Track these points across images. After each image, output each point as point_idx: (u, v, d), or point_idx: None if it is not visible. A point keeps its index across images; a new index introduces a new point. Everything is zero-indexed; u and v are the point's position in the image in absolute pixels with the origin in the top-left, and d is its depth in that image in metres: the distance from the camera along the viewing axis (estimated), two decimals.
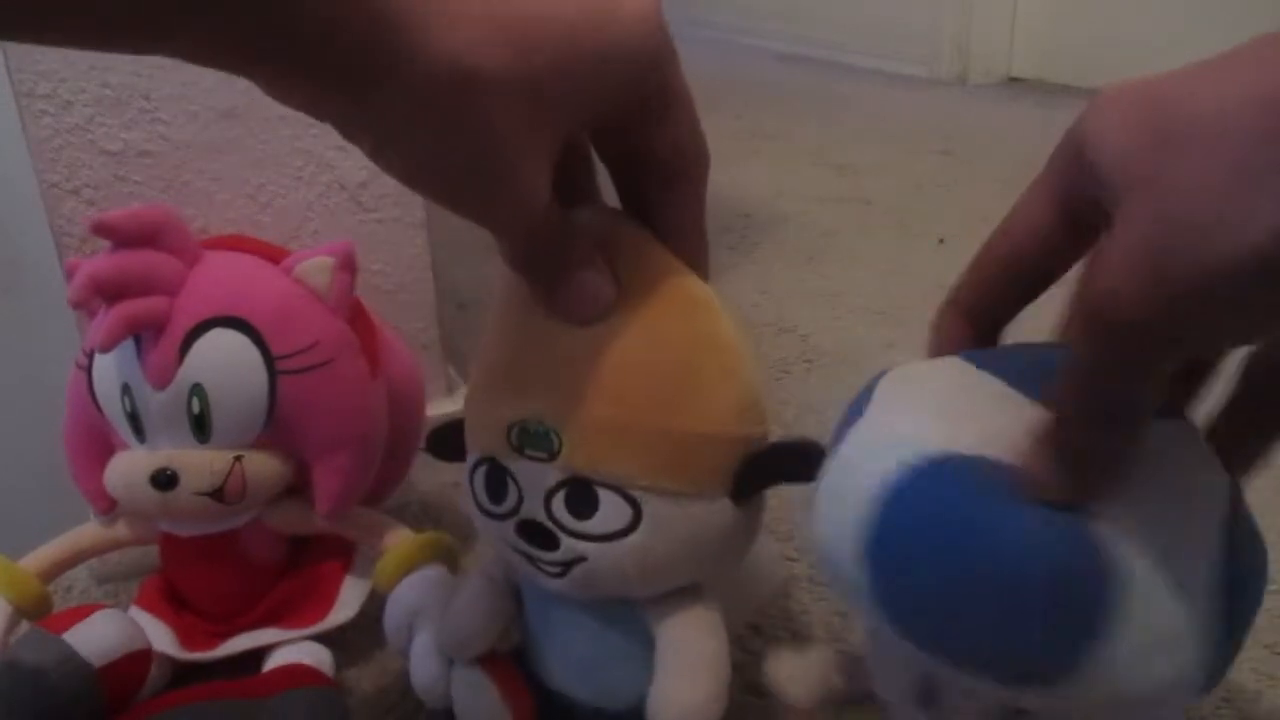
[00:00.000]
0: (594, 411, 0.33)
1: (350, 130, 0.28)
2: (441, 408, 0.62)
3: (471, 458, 0.36)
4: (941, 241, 1.01)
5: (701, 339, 0.34)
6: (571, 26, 0.28)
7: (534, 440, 0.34)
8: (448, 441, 0.39)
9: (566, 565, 0.34)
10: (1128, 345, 0.23)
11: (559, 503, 0.34)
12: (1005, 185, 1.30)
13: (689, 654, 0.36)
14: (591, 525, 0.34)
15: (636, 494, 0.33)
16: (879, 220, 1.10)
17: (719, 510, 0.34)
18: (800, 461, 0.33)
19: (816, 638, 0.49)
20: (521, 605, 0.40)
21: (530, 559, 0.35)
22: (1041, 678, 0.25)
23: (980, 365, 0.29)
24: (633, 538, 0.34)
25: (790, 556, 0.54)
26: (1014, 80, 1.81)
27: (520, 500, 0.35)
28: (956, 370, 0.29)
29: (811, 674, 0.36)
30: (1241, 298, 0.22)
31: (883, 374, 0.31)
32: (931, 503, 0.26)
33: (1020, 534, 0.25)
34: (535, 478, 0.34)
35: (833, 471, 0.30)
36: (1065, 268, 0.29)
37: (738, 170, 1.30)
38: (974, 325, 0.32)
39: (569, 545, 0.34)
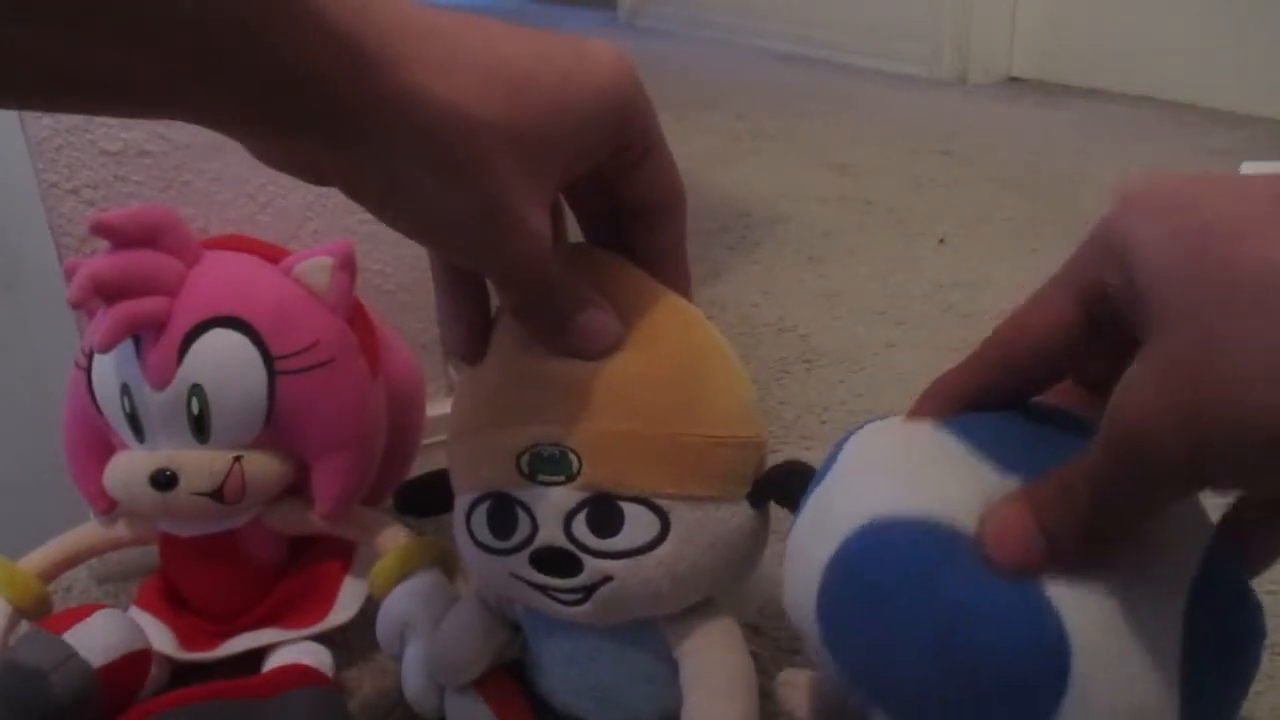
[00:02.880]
0: (612, 426, 0.33)
1: (354, 186, 0.28)
2: (442, 408, 0.62)
3: (467, 498, 0.36)
4: (941, 241, 1.01)
5: (701, 350, 0.35)
6: (558, 76, 0.28)
7: (549, 464, 0.33)
8: (420, 496, 0.40)
9: (589, 590, 0.34)
10: (1149, 480, 0.23)
11: (580, 523, 0.33)
12: (1005, 185, 1.31)
13: (719, 673, 0.36)
14: (617, 542, 0.33)
15: (663, 503, 0.33)
16: (879, 220, 1.10)
17: (739, 513, 0.35)
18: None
19: None
20: (520, 631, 0.39)
21: (545, 590, 0.35)
22: None
23: (953, 431, 0.28)
24: (662, 548, 0.33)
25: None
26: (1014, 80, 1.81)
27: (534, 529, 0.34)
28: (926, 434, 0.29)
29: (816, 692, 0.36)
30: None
31: (853, 432, 0.31)
32: (876, 563, 0.26)
33: (982, 601, 0.25)
34: (552, 502, 0.34)
35: (795, 531, 0.30)
36: (1068, 372, 0.28)
37: (738, 170, 1.30)
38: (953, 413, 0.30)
39: (593, 567, 0.33)
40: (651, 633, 0.36)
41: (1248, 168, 1.19)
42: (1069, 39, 1.73)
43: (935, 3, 1.80)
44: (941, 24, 1.80)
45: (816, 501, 0.29)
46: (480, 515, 0.35)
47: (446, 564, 0.45)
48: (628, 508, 0.33)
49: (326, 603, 0.48)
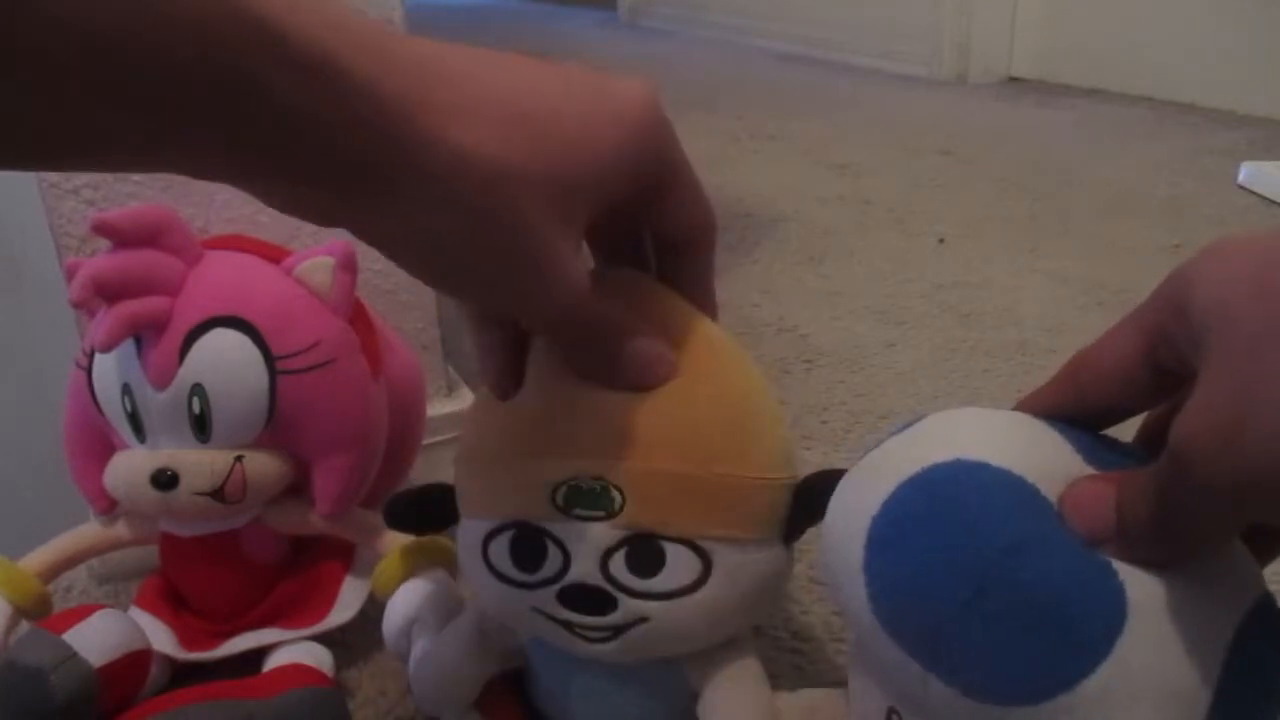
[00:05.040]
0: (660, 465, 0.32)
1: (372, 237, 0.27)
2: (441, 408, 0.62)
3: (485, 524, 0.34)
4: (941, 241, 1.01)
5: (747, 387, 0.34)
6: (581, 116, 0.28)
7: (588, 499, 0.32)
8: (413, 510, 0.38)
9: (619, 629, 0.33)
10: (1195, 498, 0.23)
11: (619, 562, 0.32)
12: (1005, 185, 1.31)
13: (738, 714, 0.35)
14: (657, 583, 0.32)
15: (707, 545, 0.32)
16: (879, 220, 1.10)
17: (776, 554, 0.34)
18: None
19: (817, 638, 0.49)
20: (523, 656, 0.39)
21: (569, 626, 0.33)
22: (1025, 696, 0.25)
23: (1050, 423, 0.29)
24: (704, 591, 0.32)
25: None
26: (1014, 80, 1.81)
27: (565, 564, 0.32)
28: (1019, 417, 0.29)
29: (792, 713, 0.36)
30: None
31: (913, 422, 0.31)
32: (954, 485, 0.26)
33: (1055, 551, 0.25)
34: (588, 538, 0.32)
35: (858, 467, 0.30)
36: (1140, 410, 0.28)
37: (738, 170, 1.30)
38: None
39: (629, 607, 0.32)
40: (672, 671, 0.35)
41: (1248, 168, 1.19)
42: (1069, 39, 1.73)
43: (935, 3, 1.80)
44: (941, 24, 1.80)
45: (892, 444, 0.29)
46: (501, 544, 0.33)
47: (450, 563, 0.45)
48: (670, 548, 0.32)
49: (327, 603, 0.48)
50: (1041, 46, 1.78)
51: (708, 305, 0.36)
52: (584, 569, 0.32)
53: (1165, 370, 0.26)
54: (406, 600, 0.43)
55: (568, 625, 0.33)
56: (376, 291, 0.58)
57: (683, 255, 0.34)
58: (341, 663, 0.47)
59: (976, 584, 0.25)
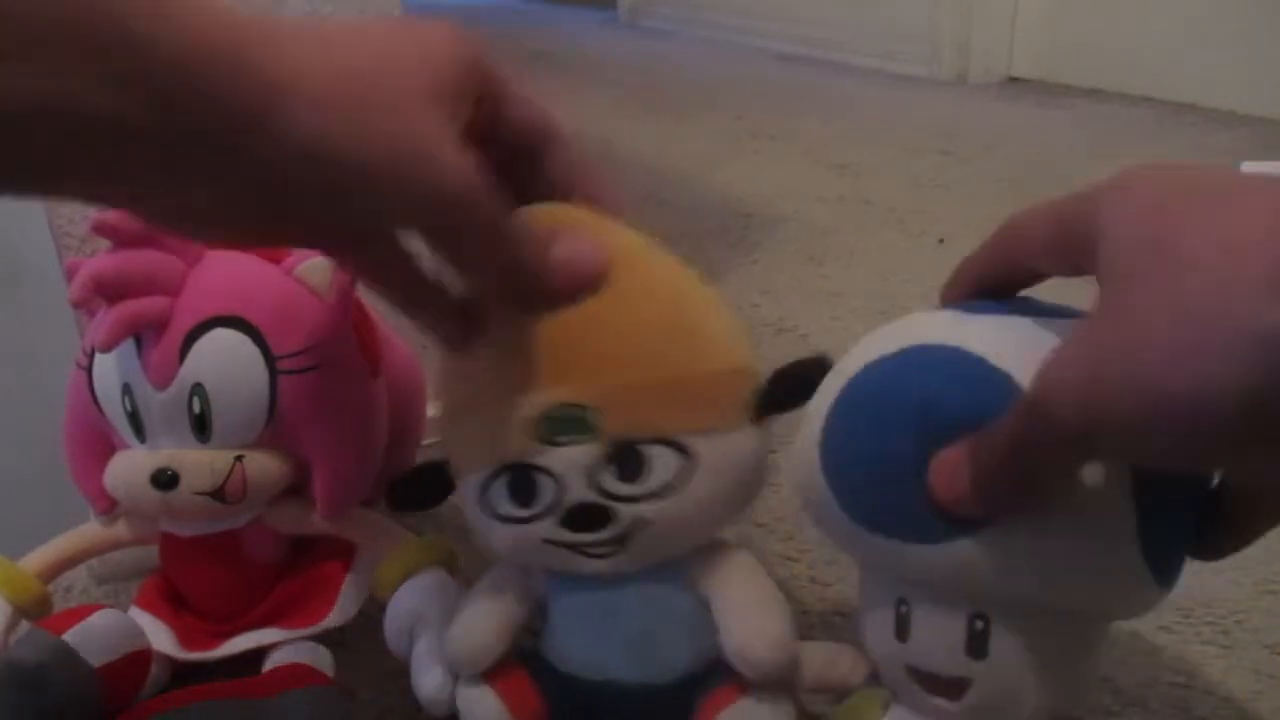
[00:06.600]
0: (624, 376, 0.34)
1: (239, 226, 0.28)
2: None
3: (478, 476, 0.36)
4: (941, 241, 1.01)
5: (681, 285, 0.37)
6: (401, 72, 0.28)
7: (566, 424, 0.34)
8: (414, 489, 0.40)
9: (623, 538, 0.35)
10: (1047, 440, 0.24)
11: (607, 475, 0.34)
12: (1005, 185, 1.31)
13: (753, 593, 0.37)
14: (647, 485, 0.34)
15: (683, 440, 0.34)
16: (879, 220, 1.10)
17: (747, 436, 0.36)
18: (818, 374, 0.37)
19: (817, 638, 0.49)
20: (541, 608, 0.40)
21: (576, 548, 0.35)
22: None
23: (967, 309, 0.32)
24: (692, 483, 0.35)
25: (790, 556, 0.54)
26: (1014, 80, 1.81)
27: (559, 492, 0.35)
28: (943, 312, 0.32)
29: (815, 661, 0.39)
30: (1177, 440, 0.21)
31: None
32: (896, 367, 0.30)
33: (975, 386, 0.28)
34: (574, 461, 0.34)
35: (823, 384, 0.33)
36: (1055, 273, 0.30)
37: (738, 170, 1.30)
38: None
39: (626, 514, 0.35)
40: (679, 573, 0.37)
41: (1248, 168, 1.19)
42: (1069, 39, 1.73)
43: (935, 3, 1.80)
44: (941, 24, 1.80)
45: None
46: (499, 489, 0.36)
47: (449, 563, 0.45)
48: (650, 450, 0.34)
49: (327, 603, 0.48)
50: (1041, 46, 1.77)
51: (598, 187, 0.36)
52: (578, 490, 0.35)
53: (1073, 261, 0.27)
54: (408, 600, 0.43)
55: (575, 547, 0.36)
56: None
57: (547, 154, 0.35)
58: (341, 663, 0.47)
59: (911, 435, 0.28)
